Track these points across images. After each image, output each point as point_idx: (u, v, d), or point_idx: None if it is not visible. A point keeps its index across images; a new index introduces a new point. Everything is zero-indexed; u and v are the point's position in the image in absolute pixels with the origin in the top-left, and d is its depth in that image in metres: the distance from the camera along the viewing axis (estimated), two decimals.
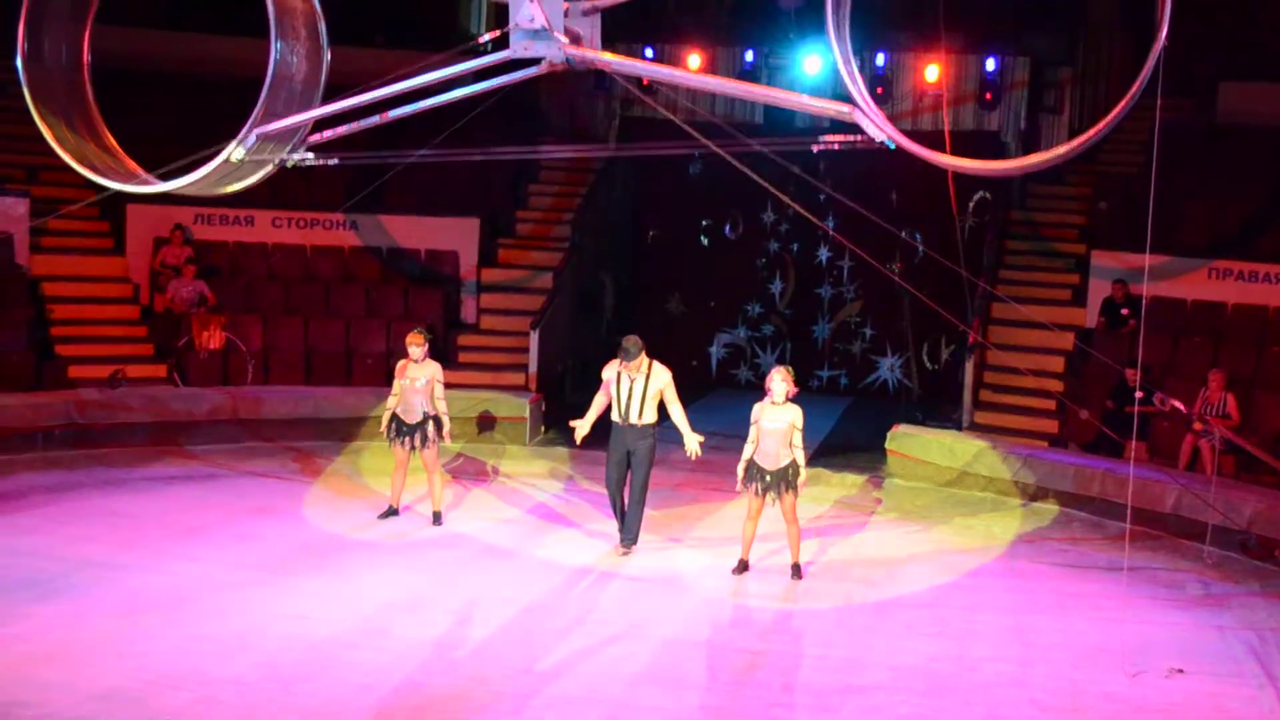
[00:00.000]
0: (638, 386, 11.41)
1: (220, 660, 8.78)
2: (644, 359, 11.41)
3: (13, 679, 8.26)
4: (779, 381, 10.92)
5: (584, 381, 18.96)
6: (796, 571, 11.17)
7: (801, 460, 11.01)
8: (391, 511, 12.46)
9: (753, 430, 11.02)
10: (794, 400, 11.00)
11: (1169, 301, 16.95)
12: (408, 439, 12.24)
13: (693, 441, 11.39)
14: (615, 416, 11.55)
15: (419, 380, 12.20)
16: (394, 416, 12.32)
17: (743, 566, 11.22)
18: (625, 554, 11.63)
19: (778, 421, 10.88)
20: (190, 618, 9.59)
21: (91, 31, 9.55)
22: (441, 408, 12.32)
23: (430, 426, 12.24)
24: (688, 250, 21.78)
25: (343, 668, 8.80)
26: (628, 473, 11.61)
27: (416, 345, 12.20)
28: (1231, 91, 19.57)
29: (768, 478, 10.96)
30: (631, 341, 11.38)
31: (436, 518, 12.41)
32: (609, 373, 11.60)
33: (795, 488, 11.01)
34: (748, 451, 11.05)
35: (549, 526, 12.69)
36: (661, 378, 11.47)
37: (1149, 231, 9.35)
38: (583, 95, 21.06)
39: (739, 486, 11.18)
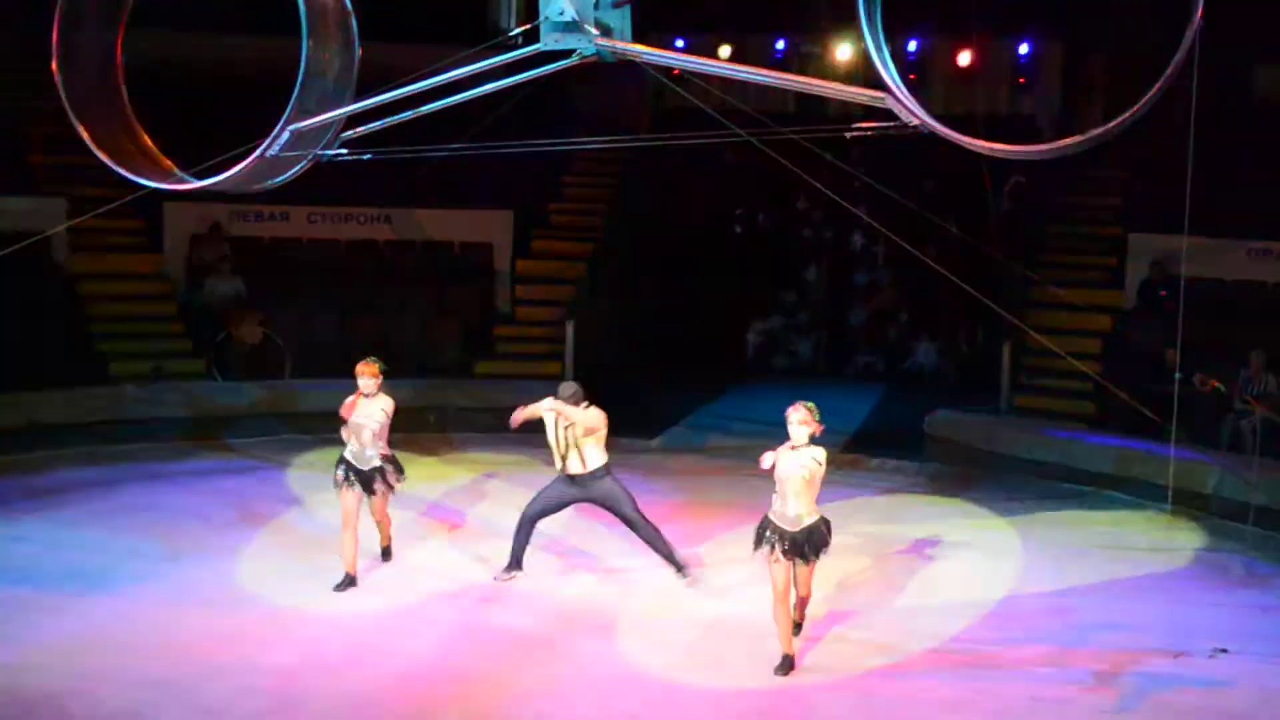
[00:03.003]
0: (573, 432, 10.21)
1: (263, 649, 8.88)
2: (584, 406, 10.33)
3: (62, 669, 8.39)
4: (797, 425, 8.63)
5: (621, 367, 18.93)
6: (797, 628, 9.18)
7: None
8: (349, 581, 10.26)
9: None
10: (817, 439, 8.73)
11: (1208, 282, 16.79)
12: (358, 486, 10.32)
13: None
14: (557, 466, 10.44)
15: (372, 417, 10.27)
16: (342, 459, 10.45)
17: (788, 664, 8.79)
18: (690, 583, 10.48)
19: (794, 467, 8.64)
20: (233, 607, 9.72)
21: (124, 34, 9.65)
22: (382, 447, 10.39)
23: (389, 470, 10.37)
24: (722, 238, 21.80)
25: (384, 655, 8.88)
26: (554, 513, 10.67)
27: (369, 377, 10.27)
28: (1268, 73, 19.40)
29: (788, 541, 8.71)
30: (570, 390, 10.33)
31: (385, 553, 10.97)
32: (547, 416, 10.30)
33: (820, 553, 8.85)
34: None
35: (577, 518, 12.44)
36: (592, 418, 10.21)
37: (1187, 213, 9.31)
38: (614, 87, 21.07)
39: (752, 552, 8.94)
